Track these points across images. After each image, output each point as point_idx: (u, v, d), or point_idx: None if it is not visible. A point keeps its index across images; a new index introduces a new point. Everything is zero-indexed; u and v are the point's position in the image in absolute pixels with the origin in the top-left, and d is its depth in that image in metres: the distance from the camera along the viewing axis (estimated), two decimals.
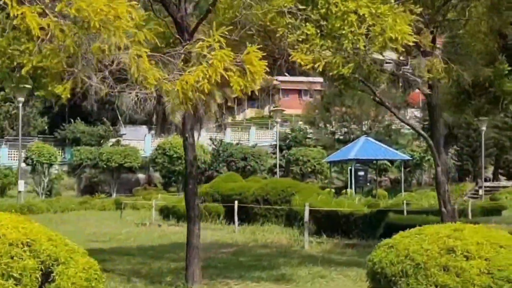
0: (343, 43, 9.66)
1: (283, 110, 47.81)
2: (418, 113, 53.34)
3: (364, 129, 52.89)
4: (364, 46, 9.70)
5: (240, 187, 26.11)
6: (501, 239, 6.20)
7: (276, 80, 66.06)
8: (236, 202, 22.73)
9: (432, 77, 11.86)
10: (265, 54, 12.34)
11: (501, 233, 6.46)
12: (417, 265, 6.00)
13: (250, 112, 73.57)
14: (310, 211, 20.04)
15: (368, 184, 46.71)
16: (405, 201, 27.94)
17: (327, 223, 19.99)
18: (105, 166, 47.57)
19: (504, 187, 42.70)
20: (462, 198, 36.04)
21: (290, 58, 10.06)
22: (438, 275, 5.86)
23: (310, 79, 55.66)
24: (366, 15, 9.67)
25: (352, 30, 9.62)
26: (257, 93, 70.13)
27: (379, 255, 6.41)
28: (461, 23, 14.26)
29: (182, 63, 7.72)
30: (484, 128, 37.32)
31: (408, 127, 58.14)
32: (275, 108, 46.84)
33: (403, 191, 41.06)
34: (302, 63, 9.81)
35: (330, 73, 10.35)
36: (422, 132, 14.85)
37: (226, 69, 7.58)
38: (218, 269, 13.78)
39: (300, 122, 60.69)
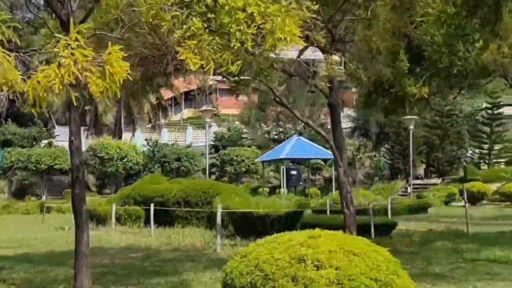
0: (231, 41, 9.34)
1: (214, 110, 47.49)
2: (351, 113, 53.75)
3: (298, 128, 52.95)
4: (253, 46, 9.40)
5: (162, 189, 25.60)
6: (356, 246, 5.93)
7: (213, 79, 65.73)
8: (152, 204, 22.23)
9: (328, 75, 11.64)
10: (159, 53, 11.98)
11: (358, 239, 6.19)
12: (265, 276, 5.69)
13: (187, 112, 73.09)
14: (228, 213, 19.84)
15: (301, 183, 46.71)
16: (328, 201, 27.93)
17: (244, 225, 19.72)
18: (34, 168, 46.37)
19: (434, 184, 43.27)
20: (391, 196, 36.25)
21: (178, 56, 9.67)
22: (286, 286, 5.56)
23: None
24: (255, 14, 9.36)
25: (240, 29, 9.30)
26: (194, 93, 69.91)
27: (232, 265, 6.09)
28: (366, 23, 14.12)
29: (37, 62, 7.26)
30: (412, 127, 37.61)
31: (344, 126, 58.68)
32: (204, 109, 46.41)
33: (333, 189, 41.13)
34: (190, 63, 9.44)
35: (218, 71, 10.03)
36: (323, 133, 14.62)
37: (85, 69, 7.14)
38: (117, 276, 13.30)
39: (237, 122, 60.57)
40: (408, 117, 34.71)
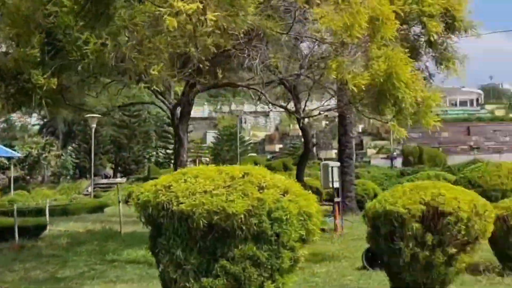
0: None
1: None
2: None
3: None
4: None
5: None
6: None
7: None
8: None
9: None
10: None
11: None
12: None
13: None
14: None
15: None
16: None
17: None
18: None
19: (119, 183, 43.00)
20: (73, 196, 35.25)
21: None
22: None
23: None
24: None
25: None
26: None
27: None
28: None
29: None
30: (94, 125, 36.83)
31: (33, 123, 56.10)
32: None
33: (12, 190, 38.97)
34: None
35: None
36: None
37: None
38: None
39: None
40: (91, 115, 34.00)
